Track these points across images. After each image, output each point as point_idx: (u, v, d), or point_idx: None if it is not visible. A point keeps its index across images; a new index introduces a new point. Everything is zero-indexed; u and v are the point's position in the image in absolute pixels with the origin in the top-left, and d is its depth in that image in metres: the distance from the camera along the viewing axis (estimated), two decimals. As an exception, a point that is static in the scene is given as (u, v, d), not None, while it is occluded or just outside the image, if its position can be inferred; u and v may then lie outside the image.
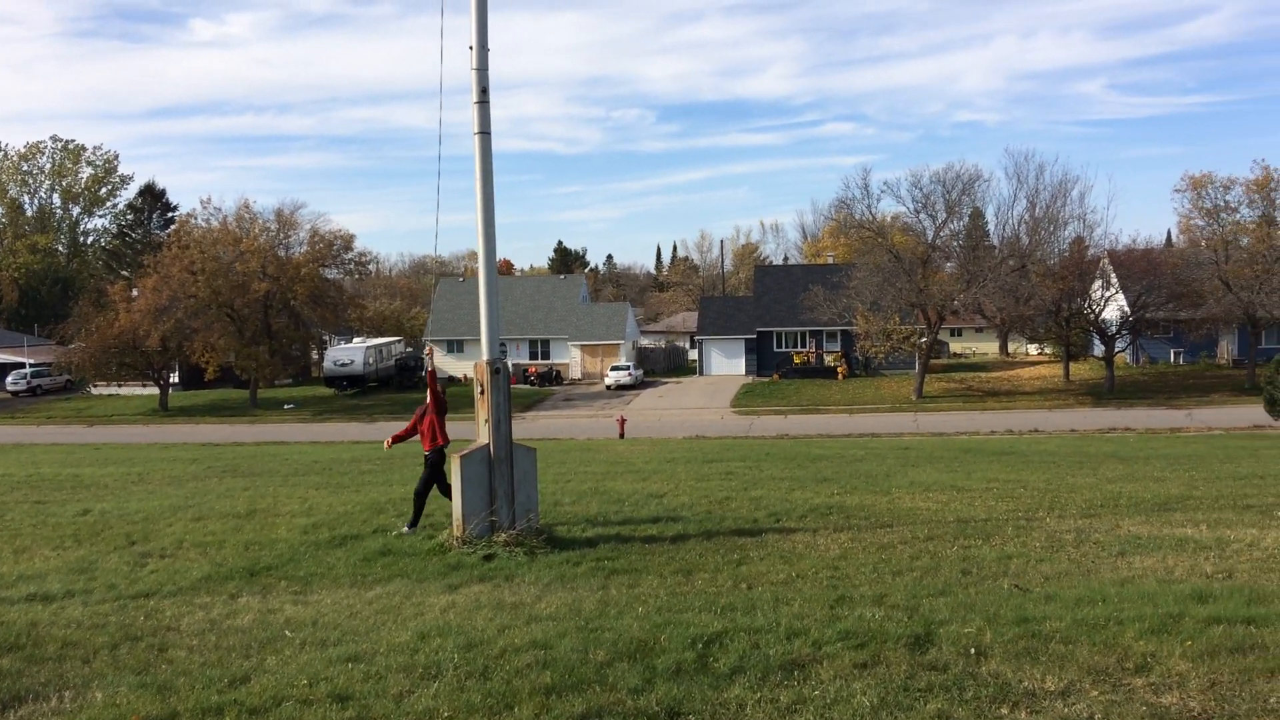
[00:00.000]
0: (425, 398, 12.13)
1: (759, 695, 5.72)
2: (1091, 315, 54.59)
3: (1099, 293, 55.18)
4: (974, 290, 51.05)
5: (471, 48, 11.20)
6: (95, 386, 66.33)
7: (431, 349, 12.94)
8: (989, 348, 76.36)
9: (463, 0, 11.18)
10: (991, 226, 59.16)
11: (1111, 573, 8.96)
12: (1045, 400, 51.55)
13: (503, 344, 67.83)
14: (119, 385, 64.63)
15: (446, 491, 11.88)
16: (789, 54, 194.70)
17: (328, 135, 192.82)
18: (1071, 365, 57.51)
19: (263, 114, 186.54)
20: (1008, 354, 73.72)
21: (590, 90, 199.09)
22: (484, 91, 11.25)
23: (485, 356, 11.18)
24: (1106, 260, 56.08)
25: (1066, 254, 55.65)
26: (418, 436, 12.28)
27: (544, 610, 7.78)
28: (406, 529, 11.84)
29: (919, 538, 10.90)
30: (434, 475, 12.10)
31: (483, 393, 11.09)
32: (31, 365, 69.60)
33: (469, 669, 6.20)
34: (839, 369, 61.95)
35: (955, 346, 78.00)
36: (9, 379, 68.84)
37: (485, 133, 11.29)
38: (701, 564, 9.69)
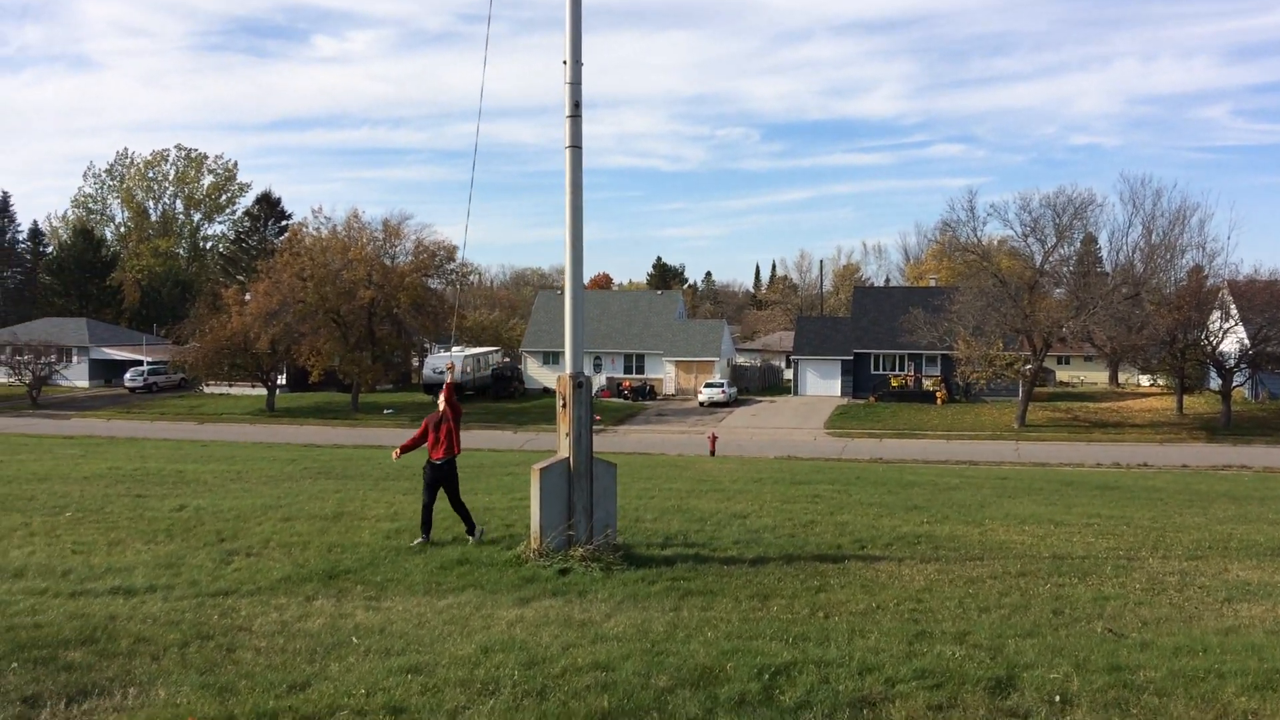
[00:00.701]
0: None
1: (824, 733, 5.47)
2: (1209, 347, 52.25)
3: (1217, 324, 52.75)
4: (1083, 317, 49.32)
5: (565, 62, 11.20)
6: (207, 385, 68.86)
7: (453, 364, 13.15)
8: (1098, 377, 73.77)
9: (560, 16, 11.21)
10: (1104, 253, 57.25)
11: (1216, 621, 8.41)
12: (1155, 434, 49.47)
13: (597, 358, 68.58)
14: (230, 385, 66.98)
15: (456, 504, 12.02)
16: (899, 74, 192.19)
17: (438, 149, 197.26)
18: (1185, 398, 55.11)
19: (377, 128, 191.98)
20: (1117, 384, 71.10)
21: (696, 108, 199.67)
22: (577, 106, 11.23)
23: (569, 370, 11.12)
24: (1226, 291, 53.59)
25: (1184, 283, 53.44)
26: (424, 445, 12.14)
27: (611, 630, 7.63)
28: (422, 538, 11.82)
29: (1010, 573, 10.43)
30: (453, 483, 12.06)
31: (565, 406, 11.02)
32: (149, 363, 72.59)
33: (527, 687, 6.09)
34: (938, 394, 60.54)
35: (1062, 375, 75.58)
36: (127, 375, 71.88)
37: (576, 147, 11.26)
38: (779, 589, 9.42)
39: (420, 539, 11.81)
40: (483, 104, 11.70)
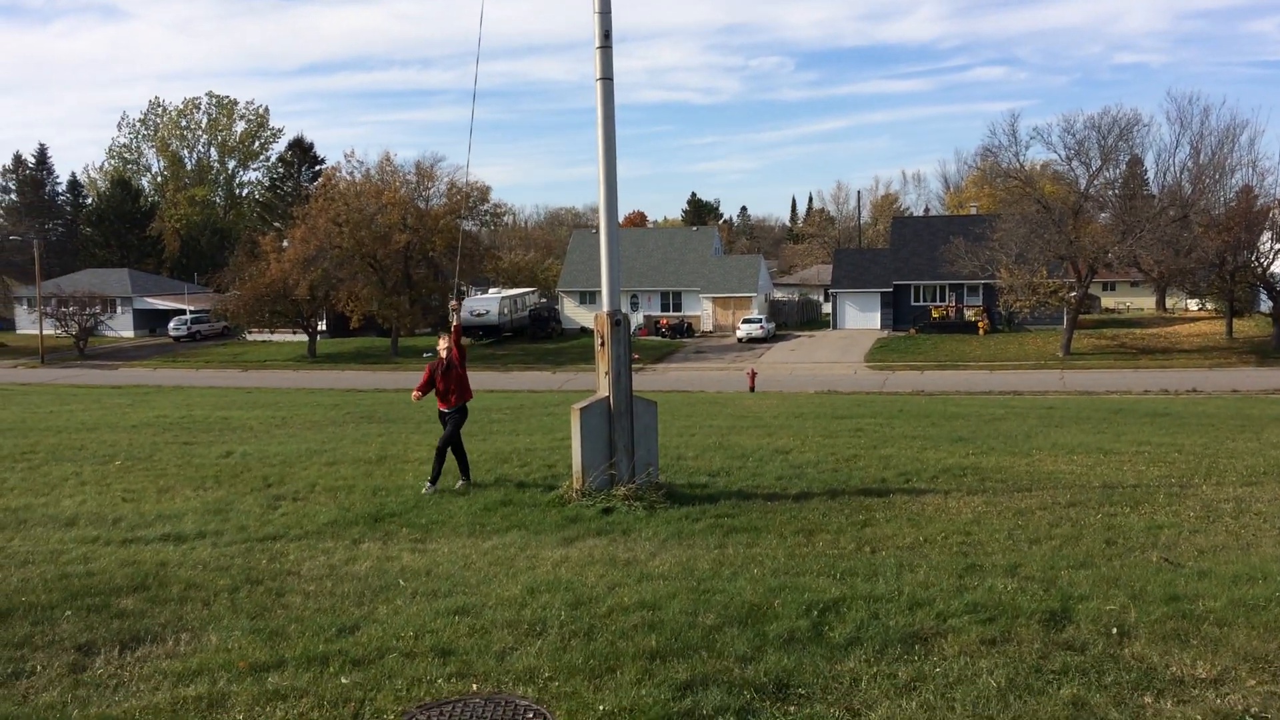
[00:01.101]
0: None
1: (875, 670, 5.40)
2: (1259, 269, 50.98)
3: (1268, 245, 51.37)
4: (1130, 242, 48.25)
5: (594, -10, 10.90)
6: (250, 333, 69.68)
7: (458, 304, 12.66)
8: (1145, 303, 72.47)
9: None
10: (1151, 175, 55.86)
11: (1274, 547, 8.22)
12: (1205, 359, 48.59)
13: (634, 296, 68.34)
14: (271, 332, 67.71)
15: (460, 449, 11.77)
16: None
17: (467, 89, 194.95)
18: (1235, 322, 54.02)
19: (406, 69, 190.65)
20: (1165, 310, 69.78)
21: (729, 38, 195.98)
22: (606, 35, 10.94)
23: (606, 308, 10.99)
24: (1278, 210, 52.14)
25: (1233, 203, 52.05)
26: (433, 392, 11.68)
27: (657, 568, 7.59)
28: (429, 487, 11.32)
29: (1060, 504, 10.27)
30: (459, 426, 11.73)
31: (603, 345, 10.91)
32: (191, 312, 73.47)
33: (574, 628, 6.07)
34: (980, 324, 59.79)
35: (1107, 301, 74.32)
36: (171, 325, 72.86)
37: (607, 78, 11.00)
38: (824, 524, 9.34)
39: (429, 488, 11.35)
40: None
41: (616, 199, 11.15)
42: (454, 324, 11.92)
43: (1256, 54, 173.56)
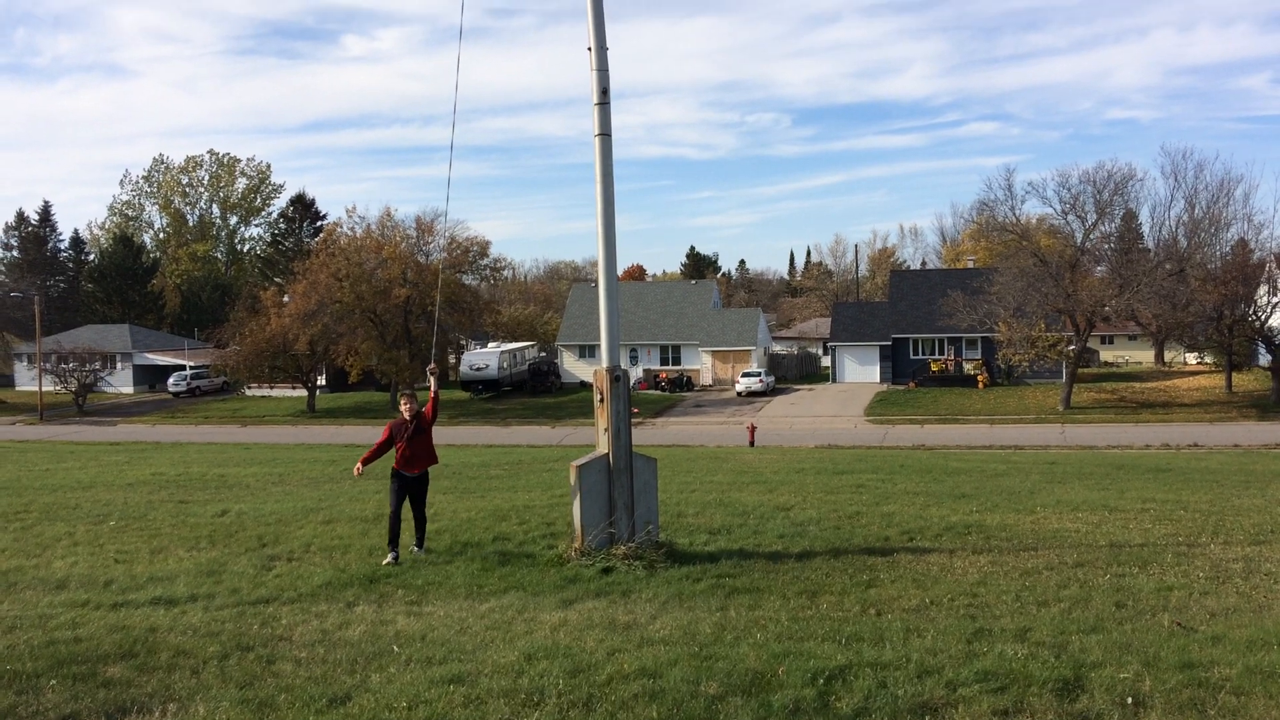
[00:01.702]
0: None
1: (884, 742, 5.22)
2: (1257, 322, 51.04)
3: (1265, 298, 51.49)
4: (1127, 295, 48.36)
5: (590, 49, 10.98)
6: (249, 388, 69.53)
7: (436, 367, 12.02)
8: (1143, 356, 72.49)
9: (584, 7, 10.99)
10: (1146, 229, 56.09)
11: (1288, 611, 8.04)
12: (1205, 413, 48.43)
13: (633, 350, 68.36)
14: (271, 387, 67.58)
15: (421, 515, 11.13)
16: (930, 53, 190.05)
17: (468, 145, 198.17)
18: (1235, 376, 53.92)
19: (408, 126, 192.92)
20: (1164, 363, 69.77)
21: (725, 95, 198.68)
22: (604, 93, 11.01)
23: (605, 364, 10.91)
24: (1274, 263, 52.29)
25: (1229, 257, 52.23)
26: (390, 453, 10.97)
27: (657, 632, 7.41)
28: (391, 557, 10.52)
29: (1067, 563, 10.10)
30: (425, 493, 11.25)
31: (602, 401, 10.82)
32: (191, 367, 73.39)
33: (573, 697, 5.89)
34: (979, 377, 59.71)
35: (1106, 355, 74.31)
36: (170, 380, 72.74)
37: (605, 134, 11.04)
38: (828, 585, 9.16)
39: (390, 557, 10.53)
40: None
41: (615, 253, 11.13)
42: (432, 389, 11.41)
43: (1247, 109, 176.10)
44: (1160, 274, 47.92)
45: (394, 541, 10.72)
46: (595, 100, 11.03)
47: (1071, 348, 51.40)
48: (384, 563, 10.44)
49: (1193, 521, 13.21)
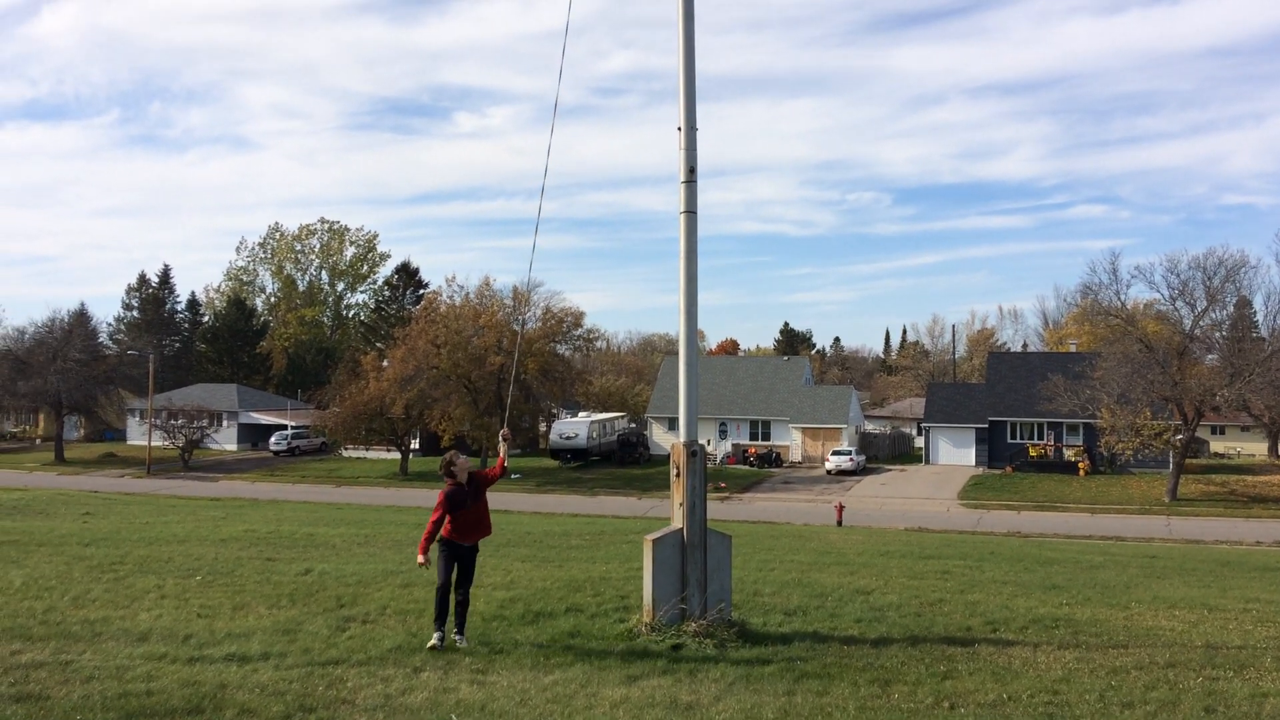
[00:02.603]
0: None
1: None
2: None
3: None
4: (1239, 385, 46.50)
5: (680, 129, 11.20)
6: (346, 449, 71.22)
7: (507, 432, 11.27)
8: (1257, 448, 69.31)
9: (676, 85, 11.25)
10: (1260, 317, 54.10)
11: (1399, 728, 7.50)
12: (1324, 510, 45.91)
13: (723, 424, 68.06)
14: (367, 449, 69.17)
15: (466, 593, 9.98)
16: (1036, 136, 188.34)
17: (568, 218, 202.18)
18: (1355, 471, 51.13)
19: (512, 199, 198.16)
20: (1278, 456, 66.56)
21: (825, 174, 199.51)
22: (691, 171, 11.18)
23: (683, 438, 10.91)
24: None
25: (1348, 346, 49.91)
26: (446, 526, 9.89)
27: (719, 714, 7.27)
28: (436, 638, 9.53)
29: (1158, 663, 9.61)
30: (473, 568, 10.23)
31: (679, 475, 10.79)
32: (292, 427, 75.56)
33: (625, 776, 5.80)
34: (1080, 464, 57.77)
35: (1216, 446, 71.30)
36: (272, 439, 74.95)
37: (691, 212, 11.19)
38: (901, 674, 8.88)
39: (435, 638, 9.54)
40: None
41: (696, 329, 11.20)
42: (501, 454, 10.71)
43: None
44: (1274, 363, 46.03)
45: (440, 620, 9.71)
46: (682, 179, 11.22)
47: (1179, 437, 49.46)
48: (428, 646, 9.47)
49: (1300, 625, 12.47)
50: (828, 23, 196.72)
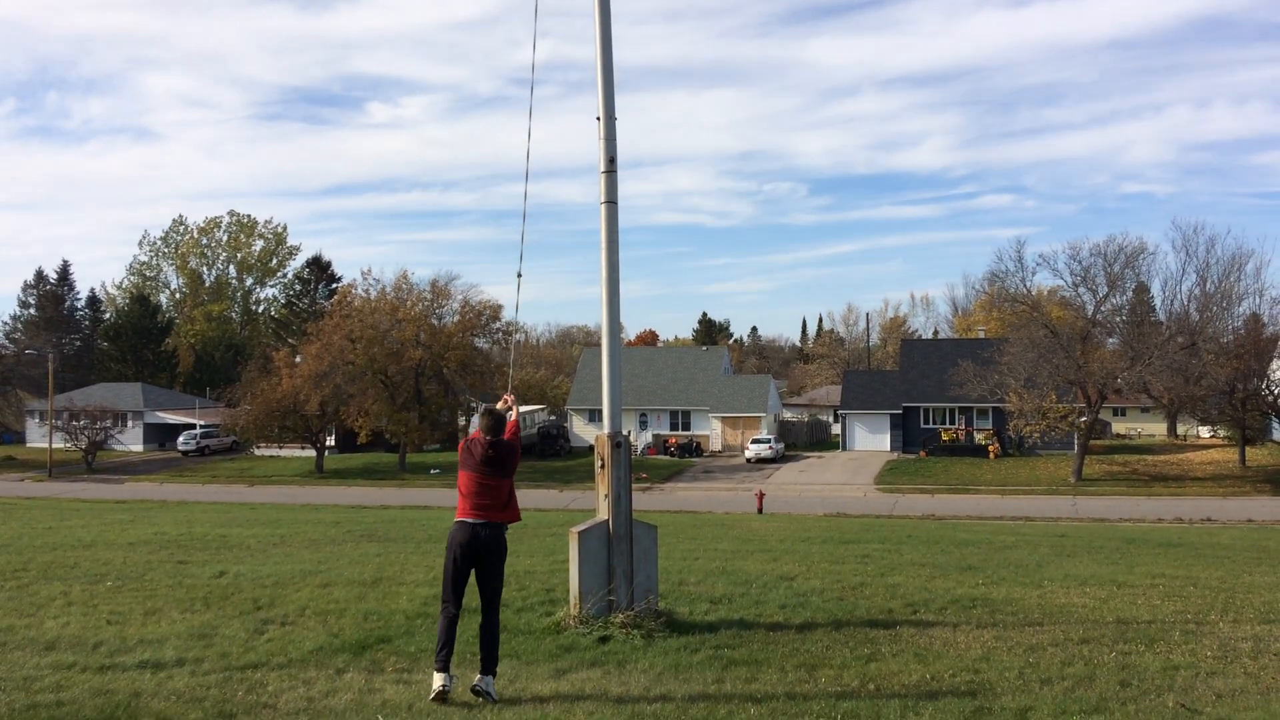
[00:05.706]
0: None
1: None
2: (1270, 397, 50.80)
3: (1278, 373, 51.33)
4: (1139, 368, 48.29)
5: (599, 119, 11.14)
6: (258, 448, 69.57)
7: (513, 396, 9.52)
8: (1156, 429, 72.05)
9: (594, 76, 11.19)
10: (1158, 302, 56.34)
11: (1297, 693, 7.84)
12: (1219, 487, 47.96)
13: (643, 415, 68.26)
14: (280, 447, 67.64)
15: (495, 610, 7.99)
16: (946, 127, 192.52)
17: (487, 210, 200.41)
18: (1248, 450, 53.50)
19: (428, 190, 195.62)
20: (1177, 436, 69.34)
21: (743, 164, 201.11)
22: (611, 161, 11.12)
23: (606, 429, 10.87)
24: (1287, 338, 52.28)
25: (1241, 331, 52.21)
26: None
27: (648, 706, 7.26)
28: (440, 681, 7.35)
29: (1072, 640, 9.89)
30: (501, 566, 8.16)
31: (603, 467, 10.75)
32: (201, 426, 73.55)
33: (558, 772, 5.76)
34: (990, 447, 59.38)
35: (1118, 427, 73.90)
36: (180, 439, 72.88)
37: (612, 202, 11.13)
38: (827, 658, 8.99)
39: (439, 682, 7.22)
40: (530, 167, 11.61)
41: (619, 320, 11.17)
42: (512, 417, 8.64)
43: (1262, 186, 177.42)
44: (1172, 347, 47.88)
45: (445, 651, 7.29)
46: (602, 168, 11.16)
47: (1083, 419, 51.15)
48: (434, 689, 7.19)
49: (1202, 598, 12.97)
50: (744, 14, 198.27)
